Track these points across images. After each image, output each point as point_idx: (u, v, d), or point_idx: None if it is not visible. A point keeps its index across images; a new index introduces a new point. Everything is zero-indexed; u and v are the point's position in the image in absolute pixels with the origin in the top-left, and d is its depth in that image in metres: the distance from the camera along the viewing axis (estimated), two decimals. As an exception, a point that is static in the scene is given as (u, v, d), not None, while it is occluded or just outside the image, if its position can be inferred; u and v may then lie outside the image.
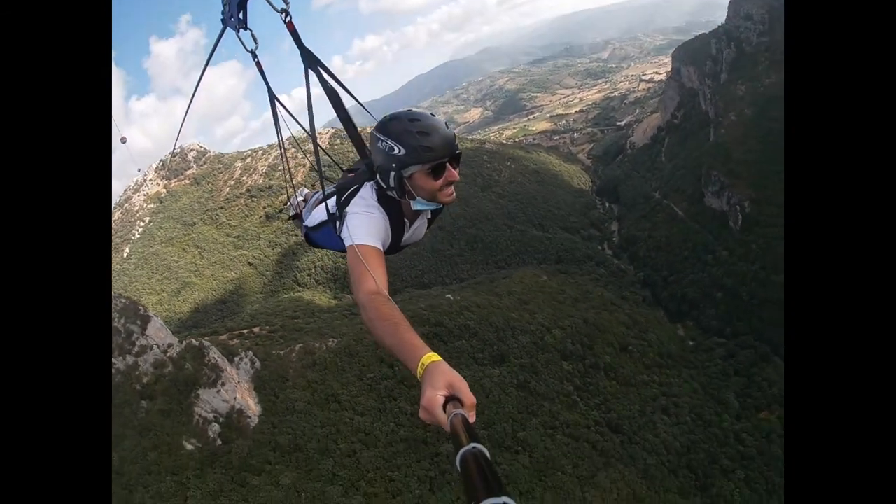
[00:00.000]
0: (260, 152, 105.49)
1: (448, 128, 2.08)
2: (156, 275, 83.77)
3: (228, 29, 2.62)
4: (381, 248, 2.07)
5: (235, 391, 32.47)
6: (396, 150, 2.03)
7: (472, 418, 1.20)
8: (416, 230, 2.50)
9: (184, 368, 32.51)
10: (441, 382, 1.28)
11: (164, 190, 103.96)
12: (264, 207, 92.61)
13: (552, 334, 43.97)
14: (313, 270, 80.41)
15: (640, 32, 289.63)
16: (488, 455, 0.95)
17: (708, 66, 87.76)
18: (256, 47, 2.61)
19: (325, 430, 31.26)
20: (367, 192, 2.26)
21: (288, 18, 2.28)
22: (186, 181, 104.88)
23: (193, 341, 35.49)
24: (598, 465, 32.62)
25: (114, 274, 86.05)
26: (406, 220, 2.33)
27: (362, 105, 2.48)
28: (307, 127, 2.45)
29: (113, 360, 31.71)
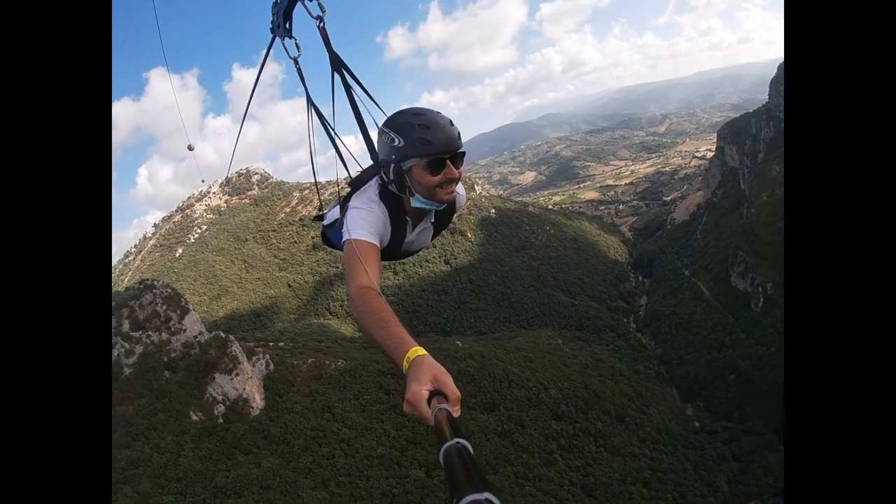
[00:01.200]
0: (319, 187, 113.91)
1: (453, 126, 2.09)
2: (201, 278, 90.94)
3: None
4: (377, 244, 2.08)
5: (246, 384, 36.93)
6: (397, 142, 2.06)
7: (456, 413, 1.20)
8: (421, 234, 2.49)
9: (208, 353, 37.56)
10: (426, 376, 1.27)
11: (225, 205, 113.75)
12: (312, 237, 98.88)
13: (548, 393, 45.25)
14: (345, 302, 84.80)
15: (699, 108, 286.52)
16: (472, 450, 0.94)
17: (748, 145, 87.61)
18: (299, 55, 2.73)
19: (314, 432, 34.62)
20: (371, 188, 2.29)
21: (322, 24, 2.40)
22: (247, 200, 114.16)
23: (221, 333, 40.89)
24: None
25: (163, 270, 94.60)
26: (409, 220, 2.33)
27: (383, 111, 2.45)
28: (333, 127, 2.61)
29: (150, 333, 37.23)
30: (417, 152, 2.03)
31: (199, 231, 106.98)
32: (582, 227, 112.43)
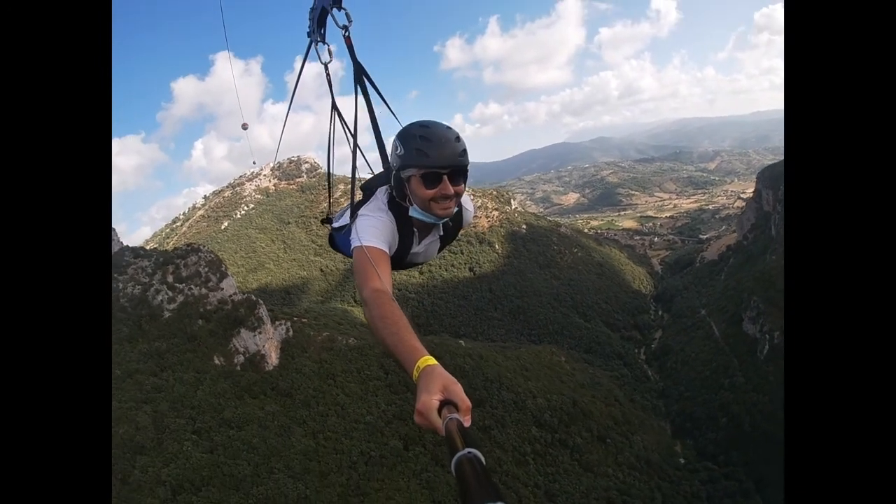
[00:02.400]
0: (362, 182, 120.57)
1: (458, 141, 2.11)
2: (241, 251, 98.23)
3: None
4: (387, 252, 2.11)
5: (266, 343, 42.59)
6: (399, 151, 2.10)
7: (467, 422, 1.19)
8: (428, 246, 2.51)
9: (238, 311, 43.52)
10: (436, 386, 1.26)
11: (273, 187, 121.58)
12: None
13: (535, 401, 47.97)
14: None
15: (752, 149, 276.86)
16: (483, 460, 0.94)
17: (782, 191, 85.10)
18: (329, 61, 2.81)
19: (315, 392, 39.67)
20: (380, 196, 2.34)
21: (347, 34, 2.49)
22: (294, 186, 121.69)
23: (252, 297, 47.35)
24: None
25: (208, 238, 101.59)
26: (415, 231, 2.35)
27: (399, 122, 2.43)
28: (354, 132, 2.64)
29: (191, 287, 43.89)
30: (414, 163, 2.07)
31: (246, 208, 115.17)
32: (611, 254, 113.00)
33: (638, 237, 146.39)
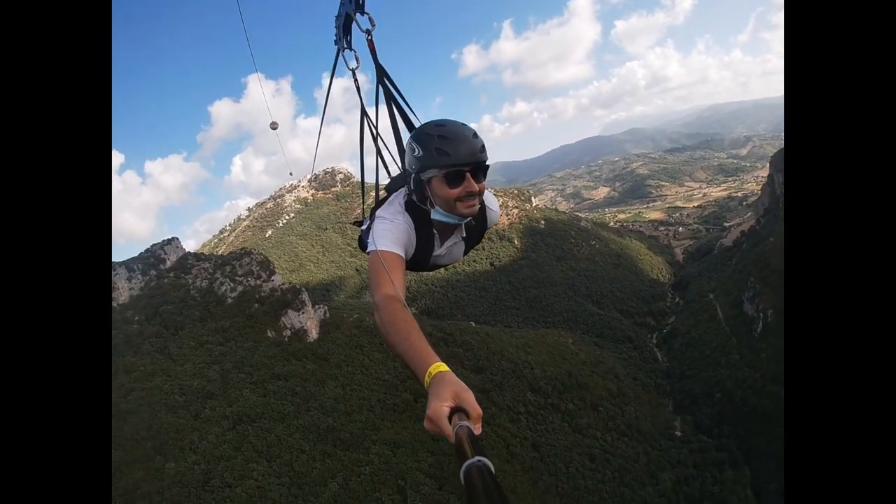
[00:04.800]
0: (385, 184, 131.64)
1: (476, 138, 2.05)
2: (285, 256, 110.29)
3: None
4: (402, 256, 2.08)
5: (308, 321, 53.80)
6: (417, 152, 2.06)
7: (477, 430, 1.18)
8: (452, 248, 2.46)
9: (286, 296, 55.01)
10: (447, 393, 1.26)
11: (311, 197, 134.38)
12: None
13: (532, 371, 55.16)
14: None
15: None
16: (493, 469, 0.95)
17: (778, 175, 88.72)
18: (357, 67, 2.77)
19: (345, 358, 50.41)
20: (398, 199, 2.30)
21: (370, 38, 2.49)
22: (329, 195, 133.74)
23: (297, 285, 59.84)
24: (498, 454, 43.69)
25: (254, 245, 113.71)
26: (436, 233, 2.31)
27: (421, 123, 2.40)
28: (380, 135, 2.71)
29: (248, 280, 55.67)
30: (435, 163, 2.02)
31: (287, 217, 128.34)
32: (630, 245, 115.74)
33: (663, 228, 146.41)
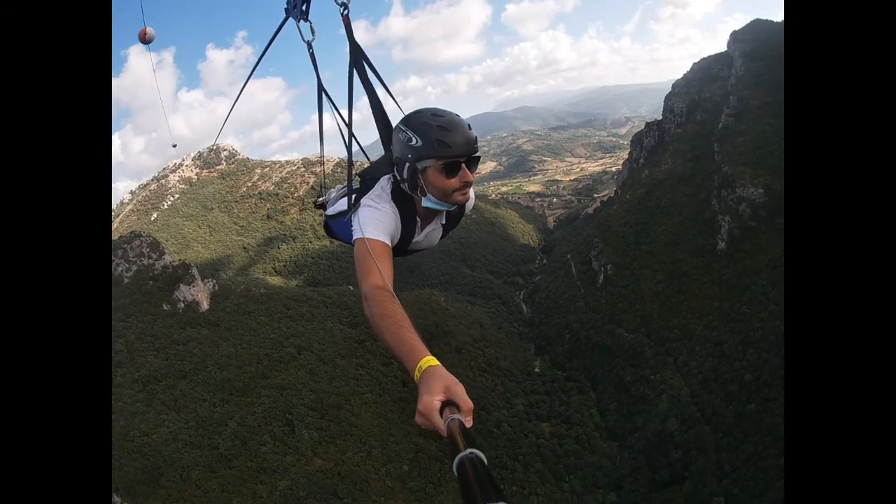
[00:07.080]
0: (277, 165, 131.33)
1: (470, 129, 2.05)
2: (171, 239, 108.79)
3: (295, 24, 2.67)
4: (389, 244, 2.06)
5: (199, 293, 59.27)
6: (414, 142, 2.03)
7: (468, 423, 1.20)
8: (430, 234, 2.47)
9: (177, 272, 60.17)
10: (438, 387, 1.26)
11: (196, 177, 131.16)
12: (267, 209, 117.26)
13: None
14: (286, 263, 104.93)
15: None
16: (485, 460, 0.95)
17: (636, 151, 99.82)
18: (314, 39, 2.66)
19: (235, 323, 57.68)
20: (383, 186, 2.27)
21: (346, 12, 2.38)
22: (215, 174, 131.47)
23: (186, 261, 64.86)
24: (371, 390, 53.28)
25: (142, 230, 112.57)
26: (418, 220, 2.31)
27: (398, 104, 2.50)
28: (347, 119, 2.61)
29: (142, 260, 59.79)
30: (435, 153, 2.01)
31: (171, 199, 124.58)
32: (504, 214, 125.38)
33: (539, 199, 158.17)
